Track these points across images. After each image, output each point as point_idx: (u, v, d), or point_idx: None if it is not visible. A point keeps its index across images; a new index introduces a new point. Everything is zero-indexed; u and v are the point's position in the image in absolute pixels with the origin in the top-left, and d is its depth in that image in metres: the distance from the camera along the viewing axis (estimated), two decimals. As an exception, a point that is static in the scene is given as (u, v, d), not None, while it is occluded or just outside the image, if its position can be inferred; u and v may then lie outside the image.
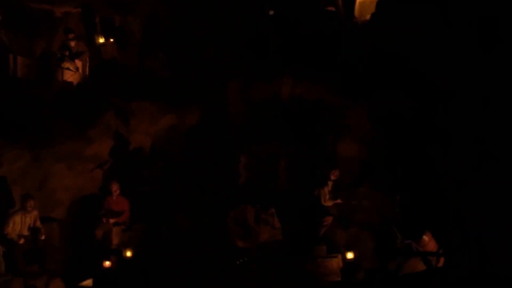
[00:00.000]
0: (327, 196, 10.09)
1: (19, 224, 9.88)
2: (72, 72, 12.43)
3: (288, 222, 10.84)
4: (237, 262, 10.66)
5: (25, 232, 9.88)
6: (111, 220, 10.58)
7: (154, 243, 10.83)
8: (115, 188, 10.74)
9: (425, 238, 8.59)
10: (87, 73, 12.90)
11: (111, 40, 13.46)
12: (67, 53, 12.48)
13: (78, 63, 12.70)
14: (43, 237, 9.99)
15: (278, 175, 11.53)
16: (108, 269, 9.28)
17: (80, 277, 9.86)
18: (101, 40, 13.21)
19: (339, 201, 10.24)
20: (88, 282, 9.28)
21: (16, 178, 10.74)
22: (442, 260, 8.52)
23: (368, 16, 12.33)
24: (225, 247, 10.84)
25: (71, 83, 12.27)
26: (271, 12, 13.65)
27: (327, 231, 10.26)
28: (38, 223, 10.10)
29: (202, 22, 12.44)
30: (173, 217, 11.36)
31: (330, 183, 10.22)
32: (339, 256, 9.81)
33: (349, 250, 9.58)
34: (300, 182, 11.24)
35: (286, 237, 10.84)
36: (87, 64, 12.98)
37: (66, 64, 12.46)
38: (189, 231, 11.19)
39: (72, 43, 12.70)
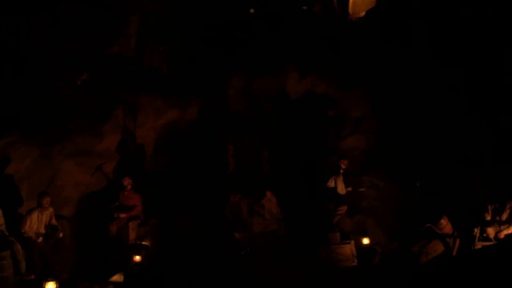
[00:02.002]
0: (343, 185, 10.55)
1: (36, 222, 9.71)
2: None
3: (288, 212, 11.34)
4: (242, 253, 10.99)
5: (42, 230, 9.73)
6: (122, 215, 10.61)
7: (167, 237, 11.06)
8: (127, 183, 10.77)
9: (443, 221, 9.24)
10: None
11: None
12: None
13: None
14: (61, 235, 9.90)
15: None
16: (138, 263, 9.33)
17: (100, 272, 9.94)
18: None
19: (349, 189, 10.78)
20: (117, 277, 9.29)
21: (24, 175, 10.54)
22: (458, 241, 9.21)
23: (361, 13, 12.91)
24: (225, 239, 11.15)
25: (78, 79, 12.08)
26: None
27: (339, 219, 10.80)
28: (54, 221, 9.95)
29: (201, 18, 12.58)
30: (176, 211, 11.57)
31: (342, 172, 10.71)
32: (352, 242, 10.36)
33: (365, 236, 10.14)
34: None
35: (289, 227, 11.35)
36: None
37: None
38: (192, 225, 11.41)
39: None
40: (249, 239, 11.06)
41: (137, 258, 9.32)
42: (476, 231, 9.06)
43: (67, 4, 11.27)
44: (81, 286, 8.94)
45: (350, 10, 13.25)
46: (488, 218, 9.19)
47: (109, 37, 12.35)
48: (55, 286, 8.34)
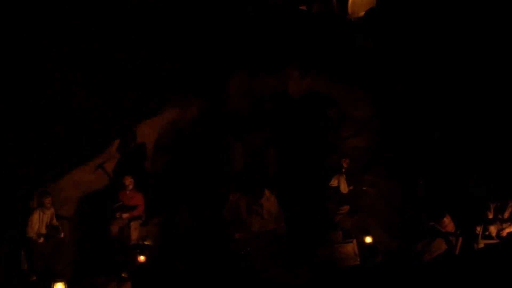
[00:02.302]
0: (346, 184, 10.60)
1: (37, 223, 9.66)
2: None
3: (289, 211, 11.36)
4: (242, 253, 10.99)
5: (43, 231, 9.69)
6: (125, 215, 10.58)
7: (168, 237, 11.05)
8: (128, 182, 10.74)
9: (445, 220, 9.32)
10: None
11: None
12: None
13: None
14: (62, 235, 9.85)
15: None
16: (142, 264, 9.31)
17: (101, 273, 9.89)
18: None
19: (351, 187, 10.85)
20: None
21: (24, 175, 10.53)
22: (460, 240, 9.26)
23: (361, 13, 12.96)
24: (226, 239, 11.15)
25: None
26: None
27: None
28: (55, 221, 9.92)
29: (202, 18, 12.58)
30: (177, 211, 11.56)
31: (344, 171, 10.77)
32: (354, 241, 10.39)
33: (367, 235, 10.17)
34: (293, 172, 11.83)
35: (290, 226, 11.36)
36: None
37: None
38: (192, 225, 11.41)
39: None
40: (249, 238, 11.12)
41: (142, 258, 9.31)
42: (479, 229, 9.15)
43: (68, 4, 11.23)
44: (98, 281, 8.89)
45: (349, 9, 13.31)
46: (490, 216, 9.28)
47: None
48: (64, 287, 8.27)
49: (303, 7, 13.93)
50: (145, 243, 10.32)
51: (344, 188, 10.68)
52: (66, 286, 8.36)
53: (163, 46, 12.36)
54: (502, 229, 9.10)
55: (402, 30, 11.26)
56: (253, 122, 12.12)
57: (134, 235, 10.43)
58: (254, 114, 12.27)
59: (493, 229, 9.12)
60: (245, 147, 12.07)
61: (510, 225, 9.12)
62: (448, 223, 9.31)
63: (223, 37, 12.52)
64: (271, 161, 11.97)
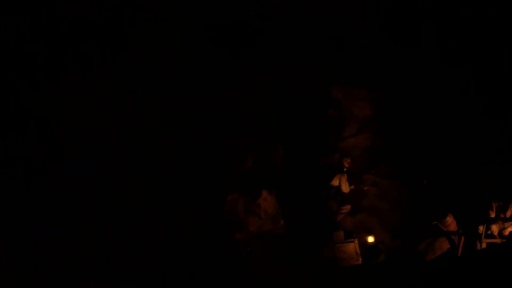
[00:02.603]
0: (347, 183, 10.64)
1: None
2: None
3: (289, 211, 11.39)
4: (243, 253, 11.00)
5: None
6: (125, 216, 10.59)
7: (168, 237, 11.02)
8: (129, 183, 10.76)
9: (448, 219, 9.36)
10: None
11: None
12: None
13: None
14: None
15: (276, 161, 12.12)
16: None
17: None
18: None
19: (352, 187, 10.88)
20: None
21: (25, 175, 10.49)
22: (463, 239, 9.30)
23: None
24: (226, 239, 11.17)
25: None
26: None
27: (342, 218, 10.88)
28: None
29: (202, 17, 12.57)
30: (177, 211, 11.55)
31: (345, 171, 10.80)
32: (356, 240, 10.42)
33: (369, 234, 10.21)
34: (294, 172, 11.87)
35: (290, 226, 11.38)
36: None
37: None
38: (192, 225, 11.40)
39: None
40: (249, 238, 11.14)
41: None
42: (481, 228, 9.19)
43: (68, 4, 11.22)
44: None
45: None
46: (493, 215, 9.33)
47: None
48: None
49: None
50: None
51: (345, 187, 10.72)
52: None
53: (163, 46, 12.40)
54: (504, 228, 9.14)
55: (403, 30, 11.29)
56: (253, 122, 12.12)
57: (135, 235, 10.44)
58: (254, 114, 12.28)
59: (495, 228, 9.16)
60: (242, 148, 12.05)
61: (512, 224, 9.19)
62: (450, 222, 9.35)
63: (223, 37, 12.56)
64: (280, 158, 11.96)
